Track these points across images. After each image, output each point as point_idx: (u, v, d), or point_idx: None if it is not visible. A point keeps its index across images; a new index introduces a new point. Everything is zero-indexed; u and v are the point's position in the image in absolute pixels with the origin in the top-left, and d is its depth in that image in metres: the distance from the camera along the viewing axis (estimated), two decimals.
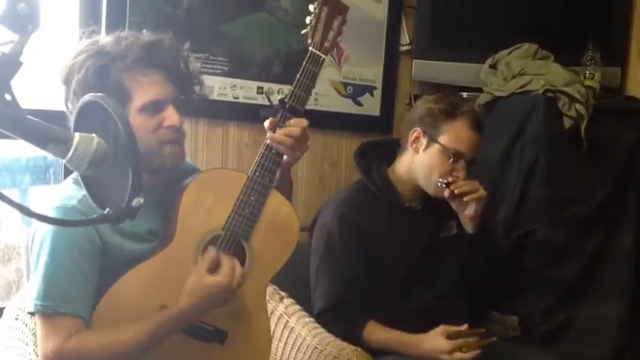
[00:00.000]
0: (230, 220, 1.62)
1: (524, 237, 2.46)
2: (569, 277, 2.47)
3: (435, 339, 1.96)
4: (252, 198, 1.63)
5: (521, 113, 2.49)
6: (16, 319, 1.77)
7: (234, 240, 1.62)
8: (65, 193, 1.55)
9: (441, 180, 2.05)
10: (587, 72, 2.56)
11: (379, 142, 2.34)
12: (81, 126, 1.07)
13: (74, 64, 1.55)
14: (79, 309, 1.51)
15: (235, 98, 2.61)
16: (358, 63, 2.81)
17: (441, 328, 1.96)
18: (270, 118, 1.67)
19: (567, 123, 2.41)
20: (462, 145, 2.06)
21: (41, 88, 2.29)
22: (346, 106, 2.85)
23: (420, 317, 2.04)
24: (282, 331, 1.97)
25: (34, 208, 0.96)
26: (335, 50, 2.27)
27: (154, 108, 1.57)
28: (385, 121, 2.93)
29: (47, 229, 1.52)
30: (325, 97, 2.75)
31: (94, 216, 1.07)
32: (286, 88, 2.64)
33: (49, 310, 1.49)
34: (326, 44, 1.71)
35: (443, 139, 2.07)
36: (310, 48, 1.70)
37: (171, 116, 1.58)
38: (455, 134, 2.06)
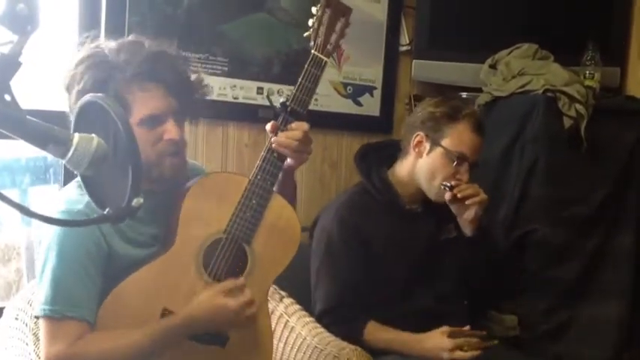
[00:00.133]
0: (231, 224, 1.62)
1: (524, 237, 2.47)
2: (569, 277, 2.47)
3: (437, 337, 1.96)
4: (254, 201, 1.62)
5: (521, 113, 2.49)
6: (16, 318, 1.77)
7: (235, 243, 1.62)
8: (70, 197, 1.55)
9: (444, 183, 2.05)
10: (587, 72, 2.56)
11: (379, 145, 2.34)
12: (81, 126, 1.07)
13: (75, 74, 1.54)
14: (86, 313, 1.51)
15: (235, 98, 2.61)
16: (358, 63, 2.82)
17: (444, 328, 1.97)
18: (272, 122, 1.66)
19: (567, 123, 2.41)
20: (465, 147, 2.06)
21: (41, 88, 2.29)
22: (346, 107, 2.85)
23: (421, 319, 2.04)
24: (282, 330, 1.98)
25: (34, 209, 0.96)
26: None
27: (153, 122, 1.56)
28: (385, 122, 2.93)
29: (54, 234, 1.52)
30: (325, 97, 2.75)
31: (94, 216, 1.07)
32: (286, 89, 2.68)
33: (56, 314, 1.49)
34: (328, 47, 1.70)
35: (446, 142, 2.07)
36: (312, 51, 1.69)
37: (170, 130, 1.57)
38: (458, 137, 2.06)
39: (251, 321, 1.62)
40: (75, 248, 1.51)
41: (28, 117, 0.96)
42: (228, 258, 1.62)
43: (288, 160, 1.68)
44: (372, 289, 2.07)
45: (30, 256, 2.69)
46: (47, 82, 2.34)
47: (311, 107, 1.69)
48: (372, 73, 2.89)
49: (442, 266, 2.15)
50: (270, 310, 1.90)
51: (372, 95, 2.91)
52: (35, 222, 2.54)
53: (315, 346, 1.86)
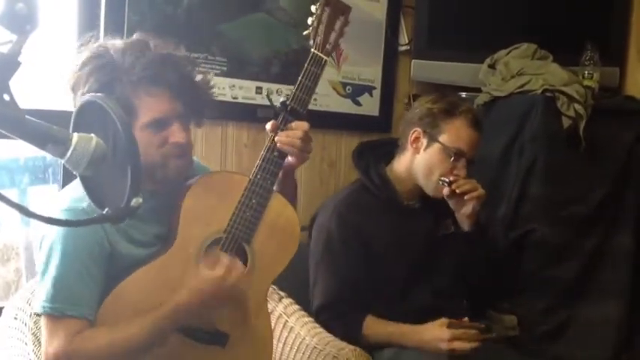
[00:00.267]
0: (232, 223, 1.62)
1: (523, 236, 2.47)
2: (568, 277, 2.47)
3: (436, 328, 1.97)
4: (254, 201, 1.62)
5: (520, 113, 2.49)
6: (15, 318, 1.77)
7: (235, 243, 1.62)
8: (74, 195, 1.54)
9: (442, 179, 2.06)
10: (586, 72, 2.57)
11: (377, 142, 2.35)
12: (80, 126, 1.07)
13: (80, 76, 1.53)
14: (86, 312, 1.52)
15: (234, 98, 2.61)
16: (357, 63, 2.82)
17: (442, 319, 1.97)
18: (272, 121, 1.66)
19: (566, 123, 2.41)
20: (463, 143, 2.07)
21: (40, 88, 2.29)
22: (345, 106, 2.85)
23: (419, 315, 2.04)
24: (282, 330, 1.98)
25: (33, 209, 0.96)
26: None
27: (158, 125, 1.56)
28: (384, 121, 2.93)
29: (57, 232, 1.52)
30: (324, 96, 2.75)
31: (94, 216, 1.07)
32: (285, 88, 2.68)
33: (56, 312, 1.50)
34: (328, 46, 1.69)
35: (443, 138, 2.07)
36: (312, 49, 1.69)
37: (176, 133, 1.57)
38: (455, 133, 2.07)
39: (239, 289, 1.58)
40: (77, 247, 1.52)
41: (27, 117, 0.96)
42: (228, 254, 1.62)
43: (289, 159, 1.68)
44: (371, 286, 2.07)
45: (29, 255, 2.68)
46: (46, 81, 2.34)
47: (310, 107, 1.69)
48: (371, 72, 2.89)
49: (440, 262, 2.16)
50: (269, 310, 1.91)
51: (371, 95, 2.91)
52: (34, 222, 2.54)
53: (314, 347, 1.86)
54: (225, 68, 2.58)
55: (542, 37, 2.67)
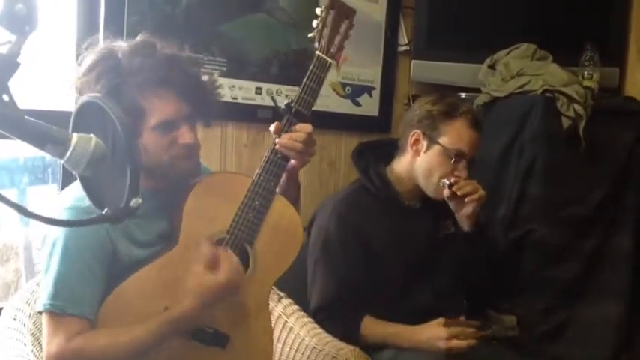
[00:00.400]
0: (234, 224, 1.62)
1: (522, 237, 2.47)
2: (567, 277, 2.47)
3: (433, 328, 1.97)
4: (257, 202, 1.63)
5: (520, 113, 2.49)
6: (15, 319, 1.77)
7: (237, 244, 1.62)
8: (77, 194, 1.54)
9: (443, 181, 2.06)
10: (586, 72, 2.57)
11: (376, 142, 2.35)
12: (79, 126, 1.07)
13: (88, 80, 1.53)
14: (87, 310, 1.52)
15: (234, 99, 2.61)
16: (357, 63, 2.81)
17: (439, 319, 1.98)
18: (276, 123, 1.66)
19: (565, 123, 2.41)
20: (463, 144, 2.07)
21: (39, 88, 2.29)
22: (345, 107, 2.85)
23: (419, 316, 2.04)
24: (281, 331, 1.97)
25: (32, 209, 0.96)
26: None
27: (167, 127, 1.56)
28: (384, 122, 2.94)
29: (61, 230, 1.53)
30: (324, 97, 2.74)
31: (93, 216, 1.07)
32: (285, 88, 2.69)
33: (57, 309, 1.50)
34: (332, 48, 1.70)
35: (443, 140, 2.07)
36: (317, 52, 1.69)
37: (184, 134, 1.58)
38: (455, 134, 2.07)
39: (238, 284, 1.58)
40: (80, 245, 1.52)
41: (26, 117, 0.96)
42: (223, 250, 1.61)
43: (292, 162, 1.68)
44: (371, 287, 2.07)
45: (28, 256, 2.69)
46: (46, 82, 2.34)
47: None
48: (371, 73, 2.89)
49: (440, 262, 2.16)
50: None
51: (370, 95, 2.91)
52: (34, 222, 2.54)
53: (314, 347, 1.86)
54: (224, 68, 2.58)
55: (541, 38, 2.67)
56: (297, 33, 2.69)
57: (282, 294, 2.04)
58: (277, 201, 1.67)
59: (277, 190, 1.68)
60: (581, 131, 2.40)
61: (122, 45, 1.58)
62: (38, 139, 0.97)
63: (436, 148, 2.08)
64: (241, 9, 2.63)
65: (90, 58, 1.56)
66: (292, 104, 1.66)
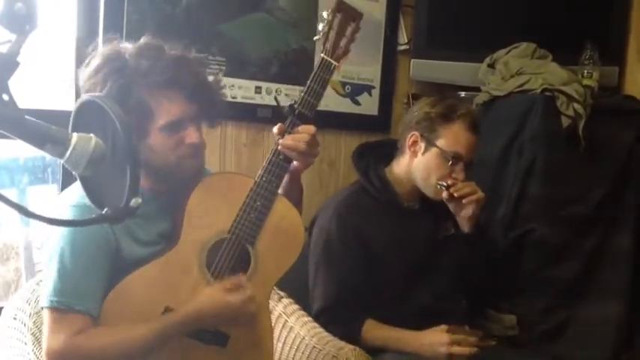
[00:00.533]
0: (236, 224, 1.62)
1: (522, 236, 2.46)
2: (568, 276, 2.47)
3: (435, 333, 1.97)
4: (259, 203, 1.63)
5: (520, 112, 2.49)
6: (15, 318, 1.77)
7: (239, 244, 1.63)
8: (82, 191, 1.55)
9: (440, 183, 2.06)
10: (586, 71, 2.56)
11: (376, 143, 2.35)
12: (79, 126, 1.07)
13: (96, 82, 1.54)
14: (91, 307, 1.52)
15: (233, 98, 2.61)
16: (356, 62, 2.81)
17: (442, 326, 1.98)
18: (279, 124, 1.67)
19: (565, 122, 2.41)
20: (460, 147, 2.06)
21: (39, 87, 2.29)
22: (344, 106, 2.85)
23: (419, 318, 2.05)
24: (281, 330, 1.98)
25: (32, 208, 0.96)
26: None
27: (175, 127, 1.57)
28: (383, 121, 2.93)
29: (65, 227, 1.54)
30: (323, 96, 2.75)
31: (93, 216, 1.07)
32: (284, 88, 2.69)
33: (62, 305, 1.50)
34: (338, 51, 1.71)
35: (441, 142, 2.07)
36: (322, 55, 1.70)
37: (191, 134, 1.59)
38: (453, 137, 2.07)
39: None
40: (85, 242, 1.52)
41: (26, 116, 0.96)
42: (231, 258, 1.63)
43: (295, 163, 1.69)
44: (371, 288, 2.07)
45: (28, 255, 2.69)
46: (45, 81, 2.34)
47: None
48: (371, 72, 2.89)
49: (439, 263, 2.16)
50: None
51: (370, 94, 2.91)
52: (34, 222, 2.54)
53: (314, 346, 1.86)
54: (224, 68, 2.58)
55: (541, 37, 2.67)
56: (297, 32, 2.69)
57: (282, 293, 2.04)
58: (279, 202, 1.67)
59: (279, 192, 1.68)
60: (580, 130, 2.40)
61: (128, 47, 1.59)
62: (38, 139, 0.97)
63: (433, 150, 2.08)
64: (241, 8, 2.63)
65: (96, 60, 1.57)
66: (296, 106, 1.66)
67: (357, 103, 2.88)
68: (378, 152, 2.25)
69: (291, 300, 2.04)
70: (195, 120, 1.61)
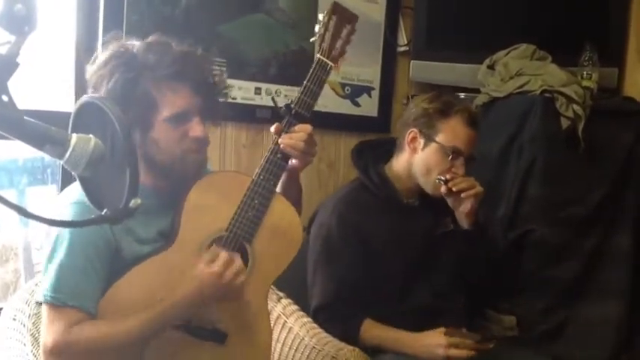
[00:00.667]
0: (233, 222, 1.63)
1: (522, 237, 2.47)
2: (567, 277, 2.47)
3: (434, 335, 1.97)
4: (256, 201, 1.64)
5: (519, 113, 2.49)
6: (14, 319, 1.77)
7: (237, 242, 1.63)
8: None
9: (439, 177, 2.06)
10: (585, 72, 2.56)
11: (376, 142, 2.35)
12: (78, 127, 1.07)
13: (103, 73, 1.55)
14: (87, 304, 1.53)
15: (233, 99, 2.60)
16: (356, 64, 2.81)
17: (440, 328, 1.97)
18: (276, 124, 1.68)
19: (565, 123, 2.41)
20: (459, 141, 2.07)
21: (38, 88, 2.29)
22: (344, 107, 2.85)
23: (418, 316, 2.05)
24: (280, 331, 1.97)
25: (31, 209, 0.96)
26: None
27: (179, 119, 1.58)
28: (383, 122, 2.94)
29: None
30: (323, 97, 2.69)
31: (92, 216, 1.07)
32: (284, 89, 2.69)
33: (57, 301, 1.51)
34: (334, 52, 1.72)
35: (440, 137, 2.08)
36: (318, 55, 1.72)
37: (196, 127, 1.60)
38: (451, 132, 2.07)
39: (238, 289, 1.58)
40: (83, 240, 1.53)
41: (25, 117, 0.96)
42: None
43: (293, 162, 1.70)
44: (371, 286, 2.07)
45: (27, 256, 2.69)
46: (45, 82, 2.34)
47: None
48: (370, 73, 2.90)
49: (439, 260, 2.15)
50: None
51: (369, 96, 2.91)
52: (33, 223, 2.54)
53: (313, 347, 1.86)
54: (224, 68, 2.57)
55: (541, 38, 2.67)
56: (296, 33, 2.69)
57: (281, 294, 2.04)
58: (277, 201, 1.67)
59: (279, 191, 1.69)
60: (580, 131, 2.40)
61: (135, 43, 1.61)
62: (37, 140, 0.97)
63: (433, 145, 2.09)
64: (240, 9, 2.63)
65: (103, 54, 1.59)
66: (292, 106, 1.68)
67: (356, 104, 2.88)
68: (378, 150, 2.25)
69: (290, 300, 2.04)
70: (199, 114, 1.62)
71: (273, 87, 2.68)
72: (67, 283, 1.52)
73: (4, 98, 0.93)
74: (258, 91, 2.66)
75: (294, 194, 1.76)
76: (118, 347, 1.53)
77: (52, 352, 1.50)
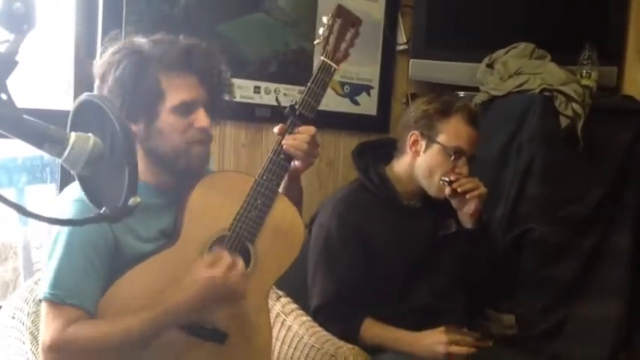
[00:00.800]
0: (236, 222, 1.63)
1: (521, 236, 2.47)
2: (567, 276, 2.47)
3: (433, 334, 1.97)
4: (259, 201, 1.64)
5: (518, 112, 2.49)
6: (13, 317, 1.77)
7: (239, 242, 1.64)
8: None
9: (443, 178, 2.06)
10: (584, 71, 2.56)
11: (376, 142, 2.35)
12: (77, 125, 1.07)
13: (111, 61, 1.57)
14: (87, 302, 1.52)
15: (232, 98, 2.61)
16: (355, 62, 2.81)
17: (440, 328, 1.98)
18: (280, 125, 1.70)
19: (564, 122, 2.41)
20: (461, 141, 2.07)
21: (37, 87, 2.29)
22: (343, 106, 2.85)
23: (419, 316, 2.05)
24: (280, 329, 1.98)
25: (30, 208, 0.96)
26: None
27: (186, 109, 1.59)
28: (382, 121, 2.94)
29: None
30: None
31: (91, 215, 1.07)
32: (283, 88, 2.69)
33: (56, 299, 1.51)
34: (338, 55, 1.74)
35: (441, 138, 2.07)
36: (322, 57, 1.73)
37: (201, 118, 1.61)
38: (452, 132, 2.07)
39: (242, 286, 1.58)
40: (82, 239, 1.53)
41: (24, 116, 0.96)
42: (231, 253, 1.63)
43: (295, 163, 1.71)
44: (371, 287, 2.07)
45: (27, 255, 2.69)
46: (44, 81, 2.34)
47: None
48: (369, 72, 2.89)
49: (439, 262, 2.15)
50: None
51: (369, 94, 2.91)
52: (32, 221, 2.54)
53: (313, 345, 1.86)
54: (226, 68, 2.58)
55: (540, 37, 2.67)
56: (296, 32, 2.69)
57: (280, 292, 2.04)
58: (280, 201, 1.68)
59: (280, 191, 1.69)
60: (579, 130, 2.40)
61: (142, 40, 1.63)
62: (36, 138, 0.97)
63: (435, 147, 2.08)
64: (240, 9, 2.63)
65: (112, 48, 1.61)
66: (296, 107, 1.69)
67: (355, 103, 2.88)
68: (378, 151, 2.25)
69: (289, 299, 2.04)
70: (205, 106, 1.63)
71: (273, 86, 2.68)
72: (65, 281, 1.52)
73: (3, 97, 0.93)
74: (257, 90, 2.66)
75: (295, 195, 1.77)
76: (116, 347, 1.52)
77: (50, 350, 1.50)
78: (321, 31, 1.76)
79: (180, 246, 1.61)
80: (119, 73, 1.54)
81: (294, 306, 2.02)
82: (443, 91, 2.59)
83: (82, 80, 2.32)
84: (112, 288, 1.55)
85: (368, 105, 2.91)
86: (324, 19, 1.77)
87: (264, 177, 1.65)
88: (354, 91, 2.87)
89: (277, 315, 2.00)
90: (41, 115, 1.02)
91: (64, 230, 1.53)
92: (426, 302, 2.11)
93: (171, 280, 1.58)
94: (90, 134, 0.99)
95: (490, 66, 2.68)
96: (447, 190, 2.06)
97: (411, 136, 2.12)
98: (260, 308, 1.72)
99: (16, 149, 2.61)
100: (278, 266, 1.72)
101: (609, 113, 2.54)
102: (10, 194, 2.68)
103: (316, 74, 1.72)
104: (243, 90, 2.64)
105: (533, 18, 2.80)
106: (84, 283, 1.53)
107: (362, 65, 2.86)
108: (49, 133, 0.97)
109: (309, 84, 1.71)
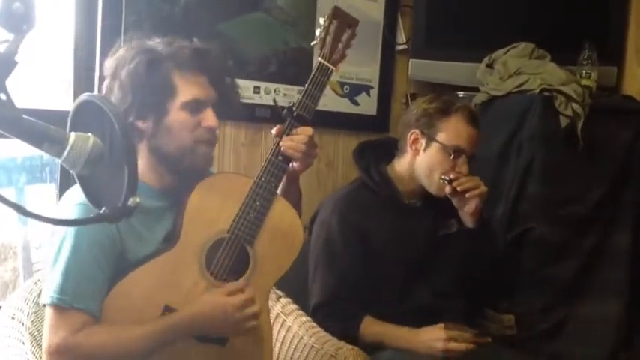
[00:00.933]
0: (235, 224, 1.63)
1: (521, 235, 2.47)
2: (567, 275, 2.47)
3: (432, 330, 1.97)
4: (258, 203, 1.64)
5: (518, 112, 2.49)
6: (13, 318, 1.77)
7: (238, 244, 1.64)
8: None
9: (443, 177, 2.06)
10: (584, 71, 2.56)
11: (377, 142, 2.36)
12: (77, 125, 1.07)
13: (125, 56, 1.59)
14: (93, 306, 1.52)
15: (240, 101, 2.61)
16: (355, 62, 2.80)
17: (439, 324, 1.98)
18: (278, 126, 1.70)
19: (564, 122, 2.41)
20: (461, 140, 2.07)
21: (37, 87, 2.29)
22: (343, 106, 2.85)
23: (418, 316, 2.04)
24: (279, 330, 1.97)
25: (30, 208, 0.96)
26: None
27: (196, 106, 1.60)
28: (382, 121, 2.94)
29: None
30: (322, 96, 2.75)
31: (91, 215, 1.07)
32: (282, 87, 2.69)
33: (64, 303, 1.50)
34: (335, 56, 1.74)
35: (441, 137, 2.08)
36: (319, 59, 1.73)
37: (210, 118, 1.62)
38: (452, 131, 2.07)
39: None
40: (89, 240, 1.53)
41: (23, 116, 0.96)
42: (230, 258, 1.63)
43: (294, 165, 1.71)
44: (371, 286, 2.07)
45: (26, 255, 2.69)
46: (43, 81, 2.33)
47: None
48: (369, 72, 2.89)
49: (439, 261, 2.16)
50: None
51: (368, 94, 2.91)
52: (32, 221, 2.54)
53: (312, 346, 1.86)
54: None
55: (540, 37, 2.67)
56: (295, 32, 2.69)
57: (280, 293, 2.04)
58: (278, 203, 1.68)
59: (278, 193, 1.69)
60: (579, 130, 2.40)
61: (156, 40, 1.65)
62: (36, 138, 0.97)
63: (435, 145, 2.09)
64: (239, 8, 2.63)
65: (126, 46, 1.63)
66: (294, 108, 1.69)
67: (355, 103, 2.88)
68: (379, 150, 2.25)
69: (289, 299, 2.04)
70: (214, 105, 1.64)
71: (273, 85, 2.68)
72: (73, 284, 1.51)
73: (3, 97, 0.93)
74: (257, 89, 2.66)
75: (293, 197, 1.77)
76: (124, 354, 1.53)
77: (56, 354, 1.49)
78: (317, 32, 1.76)
79: (180, 248, 1.61)
80: (133, 67, 1.56)
81: (294, 306, 2.02)
82: (443, 91, 2.59)
83: (82, 80, 2.32)
84: (115, 288, 1.55)
85: (368, 105, 2.91)
86: (321, 21, 1.77)
87: (263, 178, 1.65)
88: (353, 91, 2.87)
89: (277, 315, 2.00)
90: (41, 115, 1.02)
91: (71, 233, 1.52)
92: (426, 302, 2.11)
93: (171, 283, 1.58)
94: (89, 134, 0.99)
95: (490, 66, 2.68)
96: (447, 189, 2.06)
97: (411, 135, 2.12)
98: (260, 310, 1.72)
99: (16, 149, 2.60)
100: (277, 268, 1.72)
101: (609, 113, 2.54)
102: (10, 194, 2.68)
103: (313, 75, 1.72)
104: (243, 90, 2.57)
105: (533, 18, 2.80)
106: (91, 285, 1.53)
107: (362, 65, 2.86)
108: (49, 133, 0.97)
109: (306, 85, 1.71)
